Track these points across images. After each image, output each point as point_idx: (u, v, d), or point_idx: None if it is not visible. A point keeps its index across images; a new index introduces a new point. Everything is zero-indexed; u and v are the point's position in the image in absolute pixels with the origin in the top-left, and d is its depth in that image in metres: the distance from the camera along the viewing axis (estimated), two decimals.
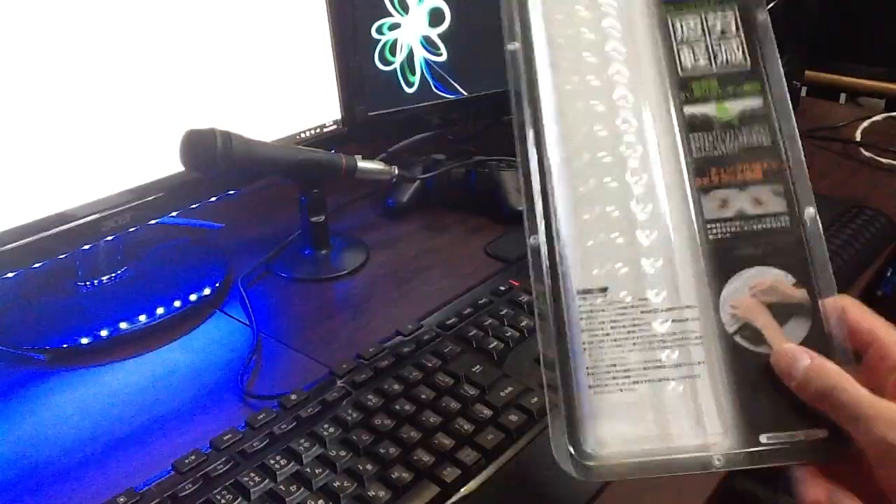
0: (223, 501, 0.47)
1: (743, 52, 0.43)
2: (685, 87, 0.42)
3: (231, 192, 0.78)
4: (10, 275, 0.62)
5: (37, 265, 0.64)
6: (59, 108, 0.63)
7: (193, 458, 0.50)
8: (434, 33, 0.88)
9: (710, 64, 0.42)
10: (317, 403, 0.54)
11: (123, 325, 0.69)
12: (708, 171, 0.41)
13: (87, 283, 0.74)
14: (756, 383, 0.37)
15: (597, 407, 0.37)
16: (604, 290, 0.39)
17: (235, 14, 0.74)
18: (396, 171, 0.81)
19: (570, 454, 0.37)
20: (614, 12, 0.44)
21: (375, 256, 0.82)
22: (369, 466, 0.49)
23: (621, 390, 0.37)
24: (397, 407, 0.53)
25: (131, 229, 0.70)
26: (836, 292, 0.38)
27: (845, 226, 0.82)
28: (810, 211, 0.40)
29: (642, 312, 0.38)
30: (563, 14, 0.43)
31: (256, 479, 0.48)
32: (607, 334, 0.38)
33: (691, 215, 0.40)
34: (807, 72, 1.24)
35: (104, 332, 0.68)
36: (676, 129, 0.41)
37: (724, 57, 0.42)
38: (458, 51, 0.89)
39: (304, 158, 0.74)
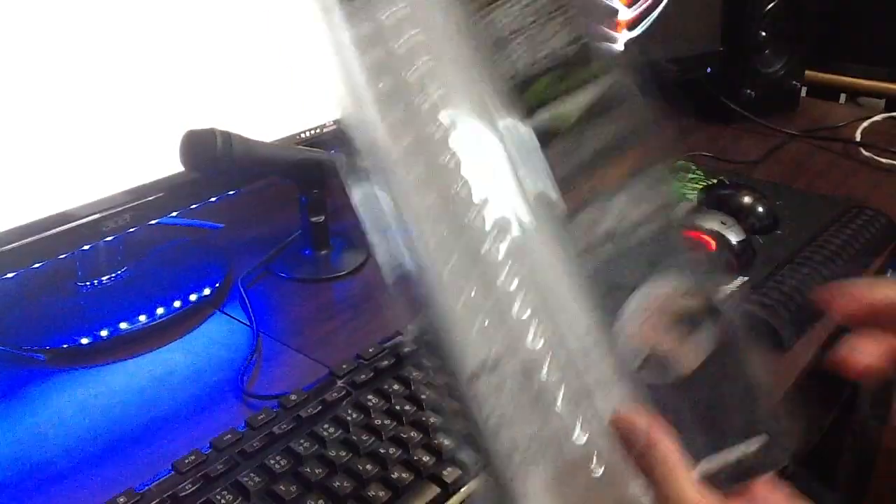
0: (223, 501, 0.47)
1: (569, 32, 0.34)
2: (516, 97, 0.35)
3: (231, 192, 0.78)
4: (10, 275, 0.62)
5: (37, 265, 0.64)
6: (59, 108, 0.63)
7: (193, 458, 0.50)
8: None
9: (535, 59, 0.34)
10: (317, 403, 0.54)
11: (123, 325, 0.69)
12: (569, 189, 0.34)
13: (87, 283, 0.74)
14: (676, 417, 0.33)
15: (522, 492, 0.33)
16: (494, 365, 0.34)
17: (235, 14, 0.74)
18: None
19: None
20: (418, 42, 0.35)
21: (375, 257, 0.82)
22: (369, 466, 0.49)
23: (543, 466, 0.33)
24: (397, 407, 0.53)
25: (131, 229, 0.69)
26: (728, 287, 0.34)
27: (845, 226, 0.82)
28: (687, 201, 0.35)
29: (540, 377, 0.34)
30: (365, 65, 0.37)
31: (256, 479, 0.48)
32: (514, 408, 0.33)
33: (561, 251, 0.34)
34: (807, 72, 1.24)
35: (104, 332, 0.68)
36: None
37: (550, 46, 0.34)
38: None
39: (304, 158, 0.74)
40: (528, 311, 0.34)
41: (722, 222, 0.77)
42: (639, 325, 0.34)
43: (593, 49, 0.34)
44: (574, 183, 0.34)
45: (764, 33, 1.15)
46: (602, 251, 0.34)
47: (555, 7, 0.34)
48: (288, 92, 0.80)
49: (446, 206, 0.34)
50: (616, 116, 0.34)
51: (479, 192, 0.34)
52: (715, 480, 0.32)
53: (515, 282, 0.34)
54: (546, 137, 0.34)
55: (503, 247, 0.34)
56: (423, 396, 0.54)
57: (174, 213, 0.73)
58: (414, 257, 0.35)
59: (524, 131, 0.34)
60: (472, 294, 0.34)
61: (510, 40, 0.34)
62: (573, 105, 0.34)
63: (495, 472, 0.33)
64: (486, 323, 0.34)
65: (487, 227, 0.34)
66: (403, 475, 0.48)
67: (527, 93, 0.34)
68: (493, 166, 0.34)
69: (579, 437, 0.33)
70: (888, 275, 0.90)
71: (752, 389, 0.33)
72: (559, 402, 0.33)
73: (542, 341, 0.34)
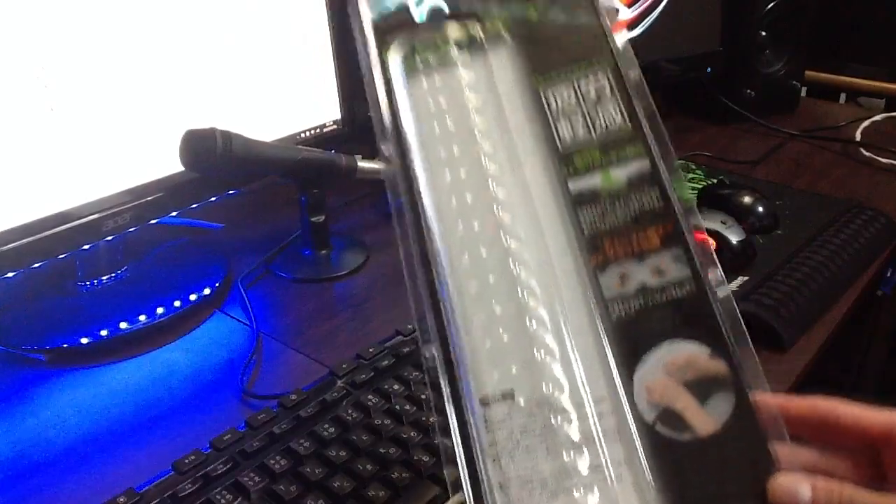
0: (223, 501, 0.47)
1: (621, 114, 0.39)
2: (568, 161, 0.39)
3: (231, 192, 0.78)
4: (10, 275, 0.62)
5: (37, 265, 0.64)
6: (59, 108, 0.63)
7: (193, 458, 0.50)
8: None
9: (590, 133, 0.39)
10: (317, 403, 0.54)
11: (123, 325, 0.69)
12: (602, 247, 0.37)
13: (87, 283, 0.74)
14: (686, 476, 0.33)
15: None
16: (507, 395, 0.35)
17: (235, 14, 0.74)
18: None
19: None
20: (482, 98, 0.40)
21: (375, 256, 0.82)
22: (369, 466, 0.49)
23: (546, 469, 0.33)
24: (397, 407, 0.53)
25: (131, 229, 0.70)
26: (755, 356, 0.35)
27: (845, 226, 0.82)
28: (715, 273, 0.36)
29: (550, 413, 0.34)
30: (432, 110, 0.40)
31: (256, 478, 0.48)
32: (517, 442, 0.34)
33: (589, 298, 0.36)
34: (807, 72, 1.24)
35: (104, 332, 0.68)
36: (563, 207, 0.38)
37: (603, 122, 0.39)
38: None
39: (304, 158, 0.74)
40: (550, 343, 0.36)
41: (722, 222, 0.77)
42: (659, 380, 0.34)
43: (641, 130, 0.38)
44: (606, 241, 0.37)
45: (764, 33, 1.15)
46: (632, 303, 0.36)
47: (610, 93, 0.39)
48: (288, 92, 0.80)
49: (488, 234, 0.38)
50: (648, 194, 0.38)
51: (519, 229, 0.38)
52: None
53: (538, 306, 0.36)
54: (593, 196, 0.38)
55: (531, 275, 0.37)
56: (422, 396, 0.54)
57: (174, 213, 0.73)
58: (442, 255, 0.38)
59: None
60: (494, 309, 0.36)
61: (570, 112, 0.39)
62: (620, 173, 0.38)
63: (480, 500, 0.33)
64: (504, 343, 0.36)
65: (523, 257, 0.37)
66: (403, 475, 0.48)
67: (580, 157, 0.39)
68: (537, 213, 0.38)
69: (579, 482, 0.33)
70: (888, 275, 0.91)
71: (755, 469, 0.33)
72: (565, 445, 0.34)
73: (559, 379, 0.35)
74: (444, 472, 0.34)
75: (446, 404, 0.35)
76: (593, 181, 0.38)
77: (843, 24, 1.37)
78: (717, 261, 0.36)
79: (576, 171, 0.39)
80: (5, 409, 0.61)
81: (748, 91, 1.16)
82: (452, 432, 0.34)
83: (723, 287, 0.36)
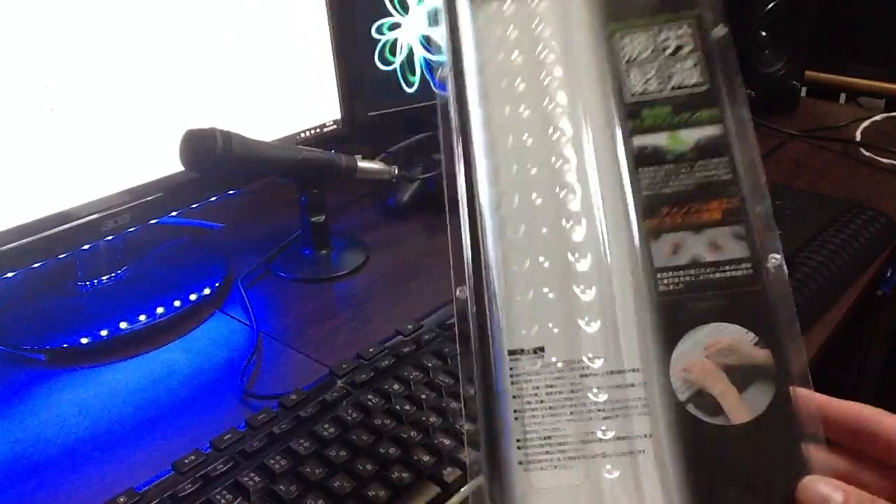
0: (223, 501, 0.46)
1: (700, 72, 0.37)
2: (634, 114, 0.36)
3: (231, 192, 0.78)
4: (10, 275, 0.62)
5: (37, 265, 0.64)
6: (59, 108, 0.63)
7: (193, 458, 0.50)
8: None
9: (663, 87, 0.37)
10: (317, 403, 0.54)
11: (123, 325, 0.69)
12: (659, 212, 0.35)
13: (87, 283, 0.74)
14: (711, 461, 0.32)
15: (526, 489, 0.32)
16: (538, 350, 0.34)
17: (235, 14, 0.74)
18: (396, 171, 0.81)
19: None
20: (552, 33, 0.38)
21: (375, 256, 0.82)
22: (369, 466, 0.49)
23: (556, 468, 0.32)
24: (397, 407, 0.53)
25: (131, 229, 0.70)
26: (804, 353, 0.33)
27: (845, 226, 0.82)
28: (776, 258, 0.34)
29: (581, 377, 0.33)
30: (495, 38, 0.38)
31: (256, 479, 0.48)
32: (541, 401, 0.33)
33: (638, 264, 0.35)
34: (807, 72, 1.24)
35: (104, 332, 0.68)
36: (623, 163, 0.36)
37: (679, 79, 0.37)
38: None
39: (304, 158, 0.74)
40: (590, 305, 0.34)
41: None
42: (697, 360, 0.33)
43: (719, 93, 0.36)
44: (664, 206, 0.35)
45: (764, 33, 1.15)
46: (682, 275, 0.34)
47: (690, 49, 0.37)
48: (288, 92, 0.80)
49: (543, 180, 0.36)
50: (717, 163, 0.36)
51: (578, 177, 0.36)
52: None
53: (585, 265, 0.35)
54: (658, 157, 0.36)
55: (581, 231, 0.35)
56: (422, 396, 0.54)
57: (174, 213, 0.73)
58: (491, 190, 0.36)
59: None
60: (541, 261, 0.35)
61: (644, 62, 0.37)
62: (689, 136, 0.36)
63: (498, 471, 0.32)
64: (544, 298, 0.34)
65: (575, 208, 0.35)
66: (403, 475, 0.48)
67: (648, 113, 0.36)
68: (596, 177, 0.36)
69: (600, 449, 0.32)
70: (888, 275, 0.90)
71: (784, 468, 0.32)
72: (591, 412, 0.33)
73: (595, 344, 0.34)
74: (464, 428, 0.33)
75: (472, 350, 0.34)
76: (659, 140, 0.36)
77: (843, 24, 1.37)
78: (780, 247, 0.34)
79: (643, 126, 0.36)
80: (5, 409, 0.61)
81: (748, 91, 1.16)
82: (475, 380, 0.33)
83: (780, 273, 0.34)
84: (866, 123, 1.14)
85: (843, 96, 1.43)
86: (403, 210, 0.91)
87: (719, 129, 0.36)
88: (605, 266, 0.35)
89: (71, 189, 0.65)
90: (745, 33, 1.13)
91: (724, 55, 0.37)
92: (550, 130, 0.37)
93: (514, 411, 0.33)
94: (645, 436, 0.32)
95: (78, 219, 0.65)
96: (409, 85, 0.88)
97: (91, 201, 0.66)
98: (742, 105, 0.36)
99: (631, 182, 0.36)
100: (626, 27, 0.38)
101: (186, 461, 0.49)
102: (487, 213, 0.36)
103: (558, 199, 0.36)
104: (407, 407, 0.53)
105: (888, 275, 0.91)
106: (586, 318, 0.34)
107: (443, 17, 0.38)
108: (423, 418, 0.52)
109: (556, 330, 0.34)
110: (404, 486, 0.47)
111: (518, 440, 0.33)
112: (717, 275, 0.34)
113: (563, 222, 0.35)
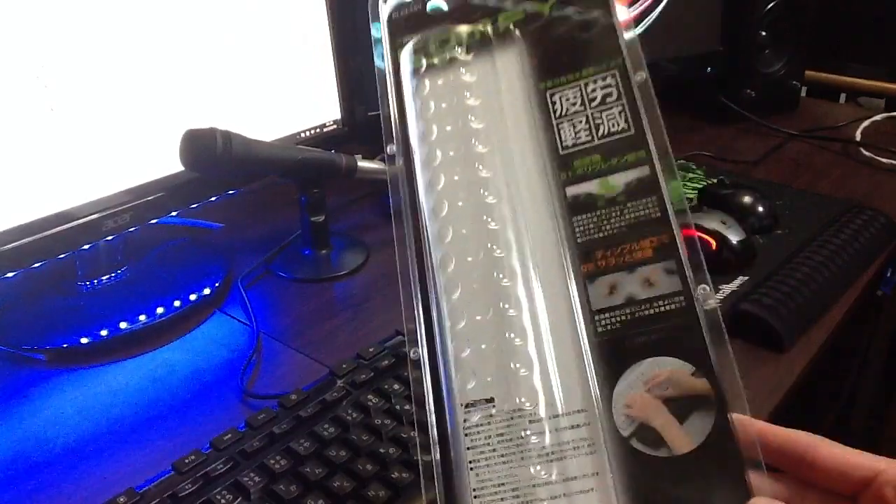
0: (223, 501, 0.47)
1: (626, 118, 0.38)
2: (567, 165, 0.38)
3: (231, 192, 0.78)
4: (10, 275, 0.62)
5: (37, 265, 0.64)
6: (59, 108, 0.63)
7: (193, 458, 0.50)
8: None
9: (592, 136, 0.38)
10: (317, 403, 0.54)
11: (123, 325, 0.69)
12: (594, 256, 0.36)
13: (87, 283, 0.74)
14: (656, 493, 0.32)
15: None
16: (489, 401, 0.35)
17: (235, 14, 0.74)
18: None
19: None
20: (484, 100, 0.40)
21: (375, 256, 0.82)
22: (369, 466, 0.49)
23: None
24: (397, 407, 0.53)
25: (131, 229, 0.70)
26: (739, 380, 0.34)
27: (845, 226, 0.82)
28: (705, 288, 0.35)
29: (529, 422, 0.34)
30: (433, 111, 0.41)
31: (256, 479, 0.48)
32: (493, 450, 0.34)
33: (575, 309, 0.36)
34: (807, 72, 1.24)
35: (104, 332, 0.68)
36: (558, 214, 0.38)
37: (607, 127, 0.38)
38: None
39: (304, 158, 0.74)
40: (527, 354, 0.36)
41: (722, 222, 0.77)
42: (638, 395, 0.34)
43: (643, 135, 0.38)
44: (599, 250, 0.37)
45: (764, 33, 1.15)
46: (619, 314, 0.35)
47: (616, 97, 0.39)
48: (288, 92, 0.80)
49: (478, 240, 0.38)
50: (646, 203, 0.37)
51: (510, 236, 0.38)
52: None
53: (522, 315, 0.36)
54: (590, 204, 0.37)
55: (517, 284, 0.37)
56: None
57: (174, 213, 0.73)
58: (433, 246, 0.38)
59: None
60: (478, 318, 0.37)
61: (574, 115, 0.39)
62: (619, 180, 0.37)
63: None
64: (484, 350, 0.36)
65: (509, 263, 0.37)
66: (403, 475, 0.48)
67: (580, 163, 0.38)
68: (530, 219, 0.38)
69: (548, 492, 0.33)
70: (888, 275, 0.91)
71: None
72: (538, 455, 0.34)
73: (536, 390, 0.35)
74: (422, 483, 0.34)
75: (428, 407, 0.36)
76: (591, 187, 0.38)
77: (843, 24, 1.37)
78: (709, 279, 0.35)
79: (574, 175, 0.38)
80: (5, 409, 0.61)
81: (748, 91, 1.16)
82: (431, 440, 0.35)
83: (711, 302, 0.35)
84: (866, 123, 1.14)
85: (843, 96, 1.43)
86: None
87: (647, 169, 0.37)
88: (540, 317, 0.36)
89: (71, 189, 0.65)
90: (745, 33, 1.13)
91: (647, 98, 0.38)
92: (485, 193, 0.39)
93: (469, 462, 0.34)
94: (592, 474, 0.33)
95: (78, 219, 0.65)
96: None
97: (91, 201, 0.66)
98: (665, 146, 0.38)
99: (566, 231, 0.37)
100: (557, 84, 0.40)
101: (186, 461, 0.49)
102: (437, 275, 0.38)
103: (493, 257, 0.38)
104: (407, 407, 0.53)
105: (888, 275, 0.91)
106: (525, 367, 0.35)
107: (390, 96, 0.42)
108: (423, 418, 0.52)
109: (497, 381, 0.35)
110: (404, 486, 0.47)
111: (474, 489, 0.34)
112: (652, 311, 0.35)
113: (500, 278, 0.37)
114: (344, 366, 0.58)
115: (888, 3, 1.34)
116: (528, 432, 0.34)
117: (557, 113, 0.39)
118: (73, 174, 0.65)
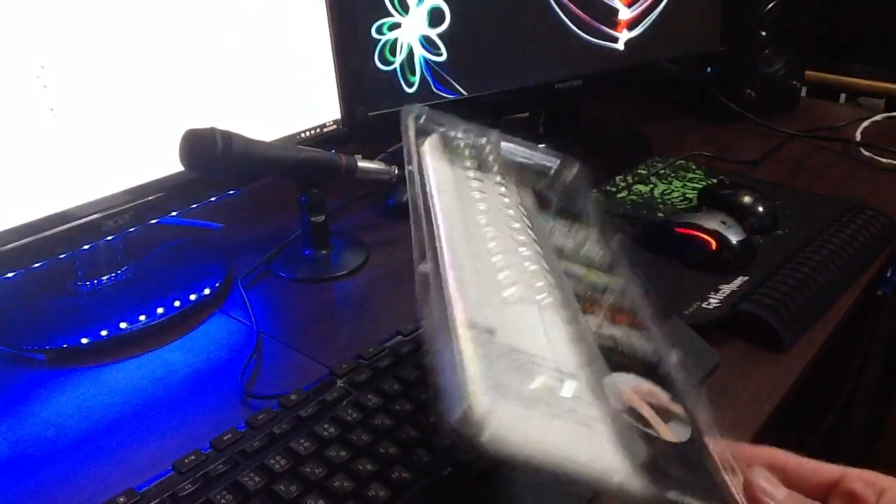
0: (223, 501, 0.46)
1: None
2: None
3: (231, 192, 0.78)
4: (10, 275, 0.62)
5: (37, 265, 0.64)
6: (59, 108, 0.63)
7: (193, 458, 0.50)
8: (434, 33, 0.88)
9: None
10: (317, 403, 0.54)
11: (123, 325, 0.69)
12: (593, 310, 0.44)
13: (87, 283, 0.74)
14: (652, 459, 0.34)
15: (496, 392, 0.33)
16: (490, 330, 0.37)
17: (235, 14, 0.74)
18: (396, 171, 0.81)
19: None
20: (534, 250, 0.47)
21: (375, 256, 0.82)
22: (369, 466, 0.49)
23: (522, 384, 0.34)
24: (397, 407, 0.53)
25: (131, 229, 0.70)
26: (708, 410, 0.37)
27: (845, 226, 0.82)
28: (673, 358, 0.40)
29: (533, 364, 0.36)
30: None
31: (256, 479, 0.48)
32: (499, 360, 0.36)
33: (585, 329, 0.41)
34: (807, 72, 1.24)
35: (104, 332, 0.68)
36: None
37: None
38: (457, 51, 0.89)
39: (304, 158, 0.74)
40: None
41: (722, 222, 0.77)
42: (626, 390, 0.37)
43: (617, 259, 0.48)
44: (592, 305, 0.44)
45: (764, 33, 1.15)
46: (611, 341, 0.41)
47: (599, 232, 0.50)
48: (288, 92, 0.80)
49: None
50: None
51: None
52: None
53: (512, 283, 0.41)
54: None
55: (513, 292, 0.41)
56: (422, 396, 0.54)
57: (174, 213, 0.73)
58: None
59: None
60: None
61: (565, 237, 0.50)
62: (595, 277, 0.47)
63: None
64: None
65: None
66: (403, 475, 0.48)
67: (565, 261, 0.48)
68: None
69: (569, 405, 0.35)
70: (888, 275, 0.91)
71: None
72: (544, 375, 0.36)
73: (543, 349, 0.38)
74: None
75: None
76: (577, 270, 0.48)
77: (843, 24, 1.37)
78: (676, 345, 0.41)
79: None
80: (5, 409, 0.61)
81: (748, 91, 1.16)
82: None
83: (678, 363, 0.40)
84: (866, 123, 1.14)
85: (843, 96, 1.43)
86: (403, 210, 0.90)
87: (620, 279, 0.47)
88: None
89: (71, 189, 0.65)
90: (745, 33, 1.13)
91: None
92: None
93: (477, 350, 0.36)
94: (595, 419, 0.35)
95: (78, 219, 0.65)
96: (409, 85, 0.88)
97: (91, 201, 0.66)
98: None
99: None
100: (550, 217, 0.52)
101: (186, 461, 0.49)
102: None
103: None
104: (407, 407, 0.53)
105: (888, 275, 0.91)
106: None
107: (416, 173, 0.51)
108: (423, 418, 0.52)
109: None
110: (404, 485, 0.47)
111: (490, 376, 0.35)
112: (637, 356, 0.41)
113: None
114: (344, 366, 0.58)
115: (888, 3, 1.35)
116: (531, 364, 0.36)
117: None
118: (73, 174, 0.65)
